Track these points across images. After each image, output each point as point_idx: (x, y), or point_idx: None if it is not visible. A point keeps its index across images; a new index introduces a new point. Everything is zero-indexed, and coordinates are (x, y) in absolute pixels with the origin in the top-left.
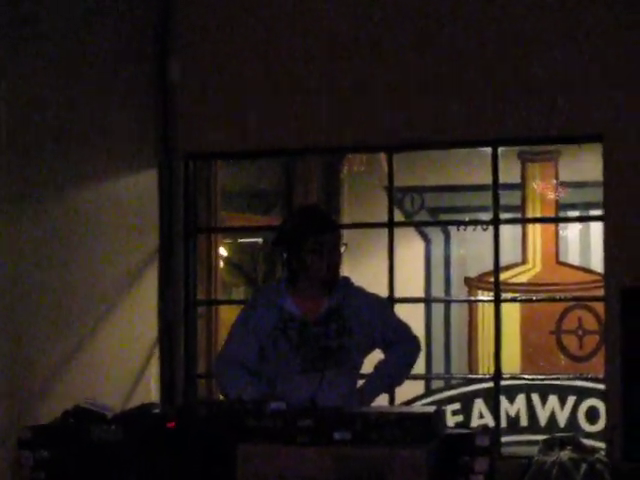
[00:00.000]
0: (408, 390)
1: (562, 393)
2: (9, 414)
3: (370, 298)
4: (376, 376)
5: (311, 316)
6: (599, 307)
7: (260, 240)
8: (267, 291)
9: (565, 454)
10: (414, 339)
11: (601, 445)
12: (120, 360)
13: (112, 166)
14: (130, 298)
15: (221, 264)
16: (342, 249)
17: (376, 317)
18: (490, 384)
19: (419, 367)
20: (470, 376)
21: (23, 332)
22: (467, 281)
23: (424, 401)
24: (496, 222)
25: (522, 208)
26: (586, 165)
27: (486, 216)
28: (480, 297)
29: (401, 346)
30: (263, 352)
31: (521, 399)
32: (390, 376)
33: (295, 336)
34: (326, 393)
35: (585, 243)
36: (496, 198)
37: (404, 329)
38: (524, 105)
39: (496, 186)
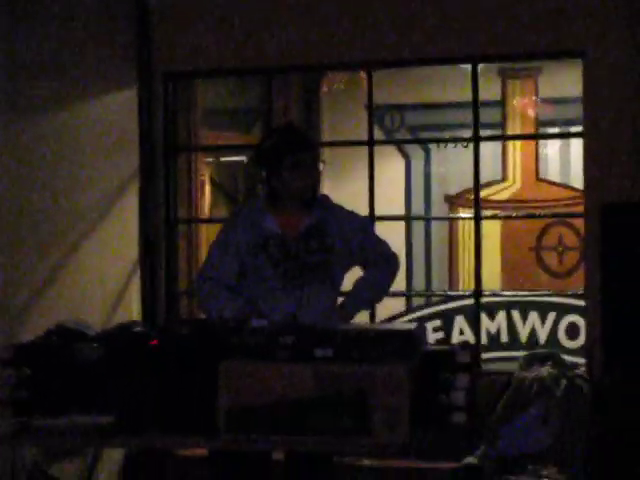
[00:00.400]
0: (389, 307)
1: (542, 310)
2: None
3: (350, 215)
4: (355, 293)
5: (291, 233)
6: (579, 223)
7: (242, 158)
8: (246, 209)
9: (545, 370)
10: (393, 256)
11: (581, 361)
12: (102, 279)
13: (91, 86)
14: (111, 217)
15: (202, 182)
16: (321, 167)
17: (356, 234)
18: (471, 301)
19: (400, 284)
20: (451, 293)
21: (4, 253)
22: (447, 198)
23: (405, 318)
24: (476, 139)
25: (502, 125)
26: (567, 81)
27: (466, 133)
28: (460, 214)
29: (380, 264)
30: (243, 269)
31: (501, 316)
32: (369, 293)
33: (275, 253)
34: (306, 309)
35: (565, 160)
36: (476, 115)
37: (383, 247)
38: (504, 21)
39: (476, 103)
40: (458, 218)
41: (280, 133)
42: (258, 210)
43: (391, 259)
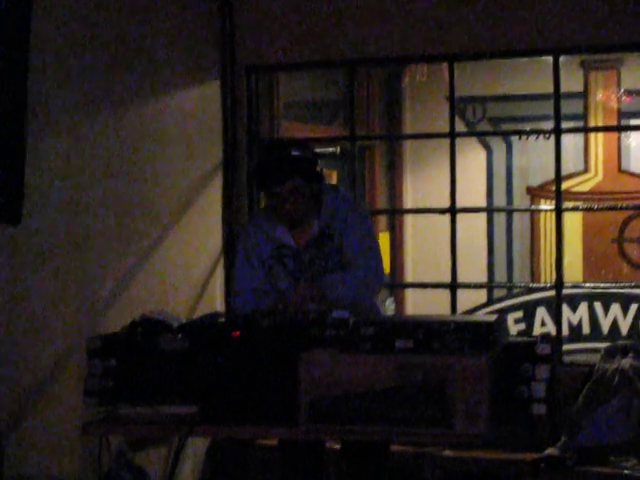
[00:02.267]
0: (470, 299)
1: (624, 301)
2: (77, 324)
3: (351, 208)
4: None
5: (303, 242)
6: None
7: (326, 150)
8: (258, 220)
9: (627, 361)
10: (371, 270)
11: None
12: (186, 270)
13: (175, 79)
14: (195, 209)
15: None
16: (325, 174)
17: (347, 227)
18: (552, 292)
19: (481, 276)
20: (532, 285)
21: (89, 243)
22: (529, 190)
23: (486, 310)
24: (558, 131)
25: (584, 117)
26: None
27: (548, 125)
28: (542, 206)
29: (352, 272)
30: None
31: (583, 307)
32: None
33: (290, 263)
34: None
35: None
36: (557, 107)
37: (366, 255)
38: (585, 13)
39: (557, 95)
40: (540, 210)
41: (259, 162)
42: (270, 221)
43: (365, 270)
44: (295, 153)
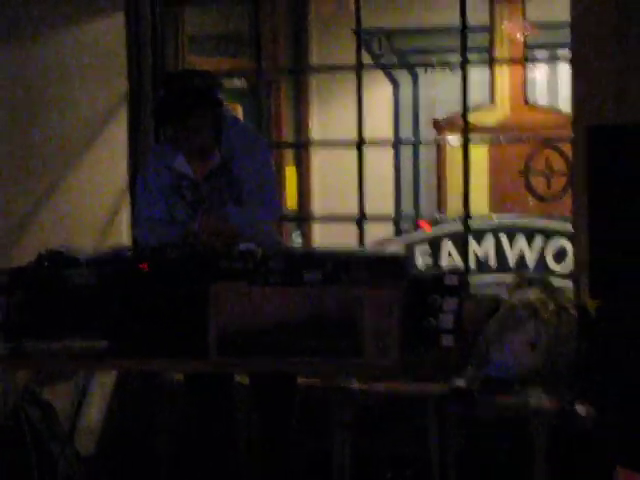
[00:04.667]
0: (377, 233)
1: (530, 234)
2: None
3: (250, 140)
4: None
5: (202, 173)
6: (567, 148)
7: (237, 83)
8: (157, 150)
9: (533, 293)
10: (265, 204)
11: (569, 284)
12: (92, 204)
13: (78, 11)
14: (100, 143)
15: None
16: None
17: (245, 159)
18: (459, 226)
19: (388, 209)
20: (439, 217)
21: None
22: (435, 123)
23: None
24: (464, 64)
25: (490, 50)
26: (555, 5)
27: (454, 58)
28: (449, 139)
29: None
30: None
31: (490, 240)
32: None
33: (188, 194)
34: None
35: (553, 84)
36: (464, 39)
37: (262, 188)
38: None
39: (464, 27)
40: (446, 143)
41: (162, 96)
42: (171, 150)
43: (265, 210)
44: (198, 83)
